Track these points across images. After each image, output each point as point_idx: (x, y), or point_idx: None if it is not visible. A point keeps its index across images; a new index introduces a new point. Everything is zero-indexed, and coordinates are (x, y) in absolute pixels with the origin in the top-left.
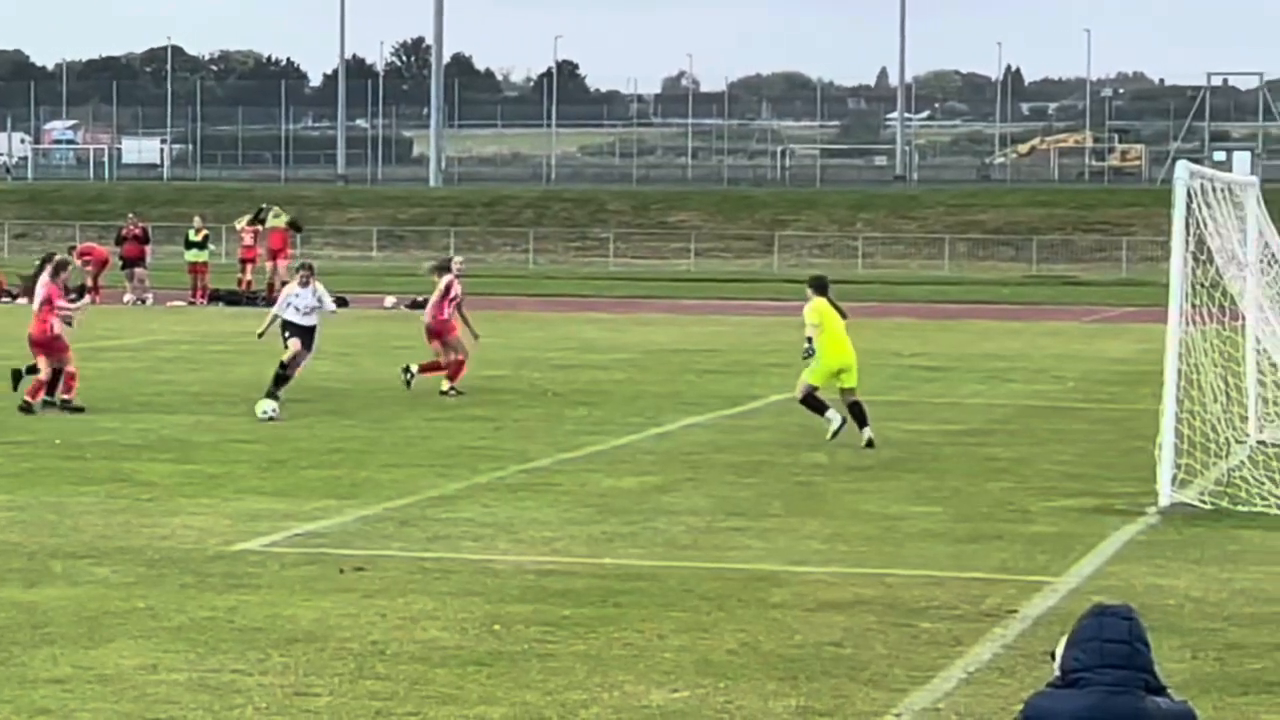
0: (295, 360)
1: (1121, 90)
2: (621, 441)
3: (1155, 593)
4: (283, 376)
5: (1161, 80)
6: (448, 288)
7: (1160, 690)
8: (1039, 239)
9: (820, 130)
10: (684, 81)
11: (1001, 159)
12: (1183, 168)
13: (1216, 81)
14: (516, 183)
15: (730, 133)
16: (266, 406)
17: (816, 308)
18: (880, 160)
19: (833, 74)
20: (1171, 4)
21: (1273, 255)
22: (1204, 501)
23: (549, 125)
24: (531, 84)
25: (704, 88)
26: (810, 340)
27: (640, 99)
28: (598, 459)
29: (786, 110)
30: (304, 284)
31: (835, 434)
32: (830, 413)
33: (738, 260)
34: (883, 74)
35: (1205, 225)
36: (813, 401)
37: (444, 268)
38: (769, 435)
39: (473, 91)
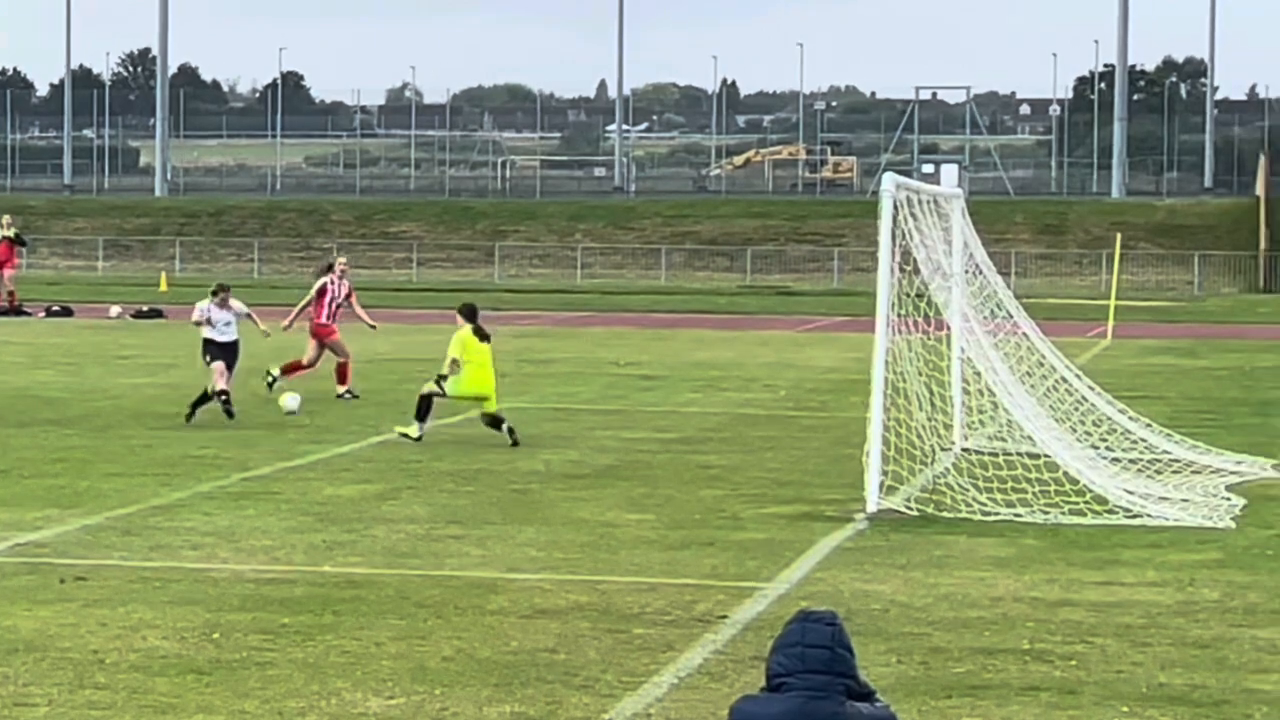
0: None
1: (834, 103)
2: (342, 450)
3: (862, 598)
4: (206, 399)
5: (873, 93)
6: (321, 291)
7: (866, 695)
8: (753, 249)
9: (540, 142)
10: (407, 93)
11: (717, 171)
12: (889, 180)
13: (925, 95)
14: (242, 193)
15: (452, 144)
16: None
17: (460, 339)
18: (600, 171)
19: (553, 86)
20: (881, 20)
21: (977, 266)
22: (910, 508)
23: (274, 136)
24: (257, 95)
25: (427, 99)
26: (449, 369)
27: (364, 110)
28: (319, 467)
29: (508, 121)
30: (221, 305)
31: (411, 437)
32: (424, 424)
33: (459, 270)
34: (602, 86)
35: (911, 236)
36: (423, 404)
37: (324, 270)
38: (487, 444)
39: (199, 102)
